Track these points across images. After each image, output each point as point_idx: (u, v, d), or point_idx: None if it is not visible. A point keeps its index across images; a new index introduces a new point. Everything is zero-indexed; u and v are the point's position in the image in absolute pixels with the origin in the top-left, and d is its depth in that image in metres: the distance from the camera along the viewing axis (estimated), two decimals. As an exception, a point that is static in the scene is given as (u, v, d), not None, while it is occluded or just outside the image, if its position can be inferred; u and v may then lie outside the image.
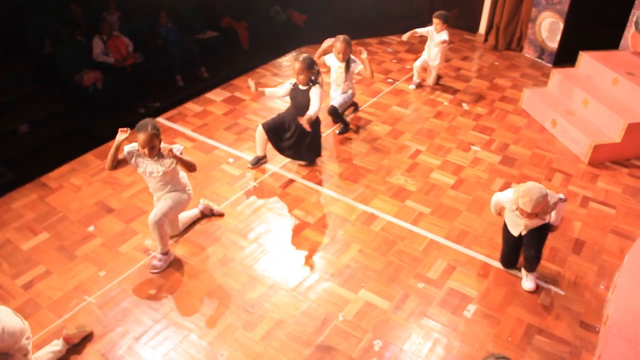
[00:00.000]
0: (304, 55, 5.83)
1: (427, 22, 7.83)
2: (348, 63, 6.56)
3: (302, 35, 9.89)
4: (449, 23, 7.60)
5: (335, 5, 10.36)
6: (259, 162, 6.24)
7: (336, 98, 6.73)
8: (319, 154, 6.23)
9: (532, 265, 4.64)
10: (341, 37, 6.48)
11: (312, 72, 5.76)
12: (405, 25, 9.67)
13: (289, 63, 8.84)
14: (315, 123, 5.91)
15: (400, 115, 7.26)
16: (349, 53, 6.53)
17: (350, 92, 6.79)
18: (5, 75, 7.98)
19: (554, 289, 4.72)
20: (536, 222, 4.49)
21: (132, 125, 7.03)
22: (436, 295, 4.65)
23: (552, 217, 4.56)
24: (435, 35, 7.61)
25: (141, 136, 4.53)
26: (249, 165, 6.20)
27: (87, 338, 4.29)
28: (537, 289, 4.71)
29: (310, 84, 5.78)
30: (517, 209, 4.32)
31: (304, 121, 5.58)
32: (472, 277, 4.84)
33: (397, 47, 9.39)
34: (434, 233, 5.32)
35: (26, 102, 7.98)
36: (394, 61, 8.88)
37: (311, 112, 5.64)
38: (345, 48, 6.45)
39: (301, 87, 5.83)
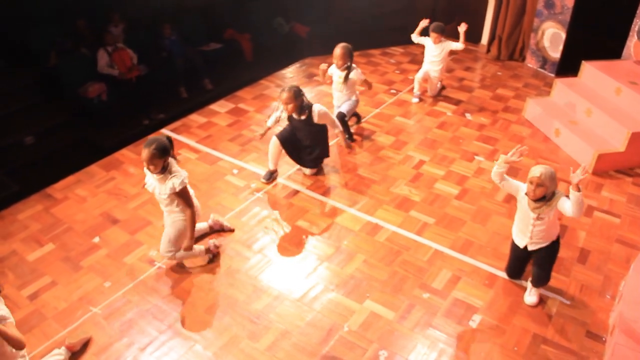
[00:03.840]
0: (290, 85, 5.80)
1: (429, 32, 7.85)
2: (349, 71, 6.57)
3: (305, 47, 9.93)
4: (446, 35, 7.63)
5: (337, 16, 10.41)
6: (271, 176, 6.23)
7: (341, 105, 6.76)
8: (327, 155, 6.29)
9: (538, 282, 4.62)
10: (341, 44, 6.53)
11: (300, 99, 5.75)
12: (407, 36, 9.73)
13: (292, 75, 8.89)
14: (324, 129, 5.98)
15: (403, 125, 7.28)
16: (348, 60, 6.55)
17: (354, 98, 6.81)
18: (10, 86, 8.01)
19: (559, 298, 4.71)
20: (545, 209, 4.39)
21: (138, 136, 7.13)
22: (441, 306, 4.64)
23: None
24: (433, 47, 7.64)
25: (142, 153, 4.48)
26: (263, 181, 6.18)
27: (88, 344, 4.32)
28: (542, 301, 4.69)
29: (306, 110, 5.80)
30: (527, 192, 4.32)
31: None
32: (478, 287, 4.83)
33: (400, 58, 9.43)
34: (438, 243, 5.32)
35: (31, 113, 8.00)
36: (397, 72, 8.92)
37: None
38: (342, 54, 6.49)
39: (295, 116, 5.87)
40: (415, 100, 8.00)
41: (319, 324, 4.47)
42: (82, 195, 6.02)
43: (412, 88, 8.12)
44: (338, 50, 6.50)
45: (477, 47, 9.92)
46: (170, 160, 4.56)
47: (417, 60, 9.16)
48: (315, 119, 5.85)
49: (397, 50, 9.81)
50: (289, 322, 4.49)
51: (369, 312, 4.58)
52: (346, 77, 6.60)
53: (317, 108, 5.84)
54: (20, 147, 7.70)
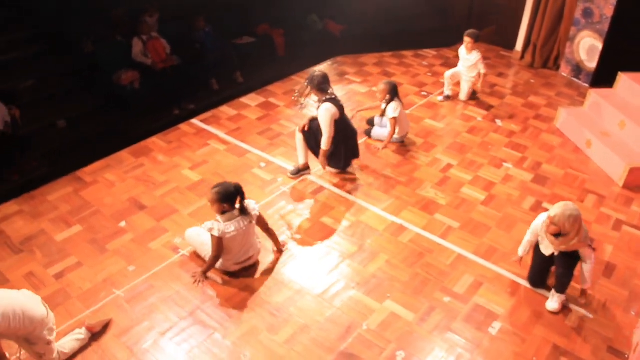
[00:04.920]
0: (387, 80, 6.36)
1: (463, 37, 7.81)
2: (387, 104, 6.63)
3: (337, 45, 9.95)
4: (480, 41, 7.59)
5: (372, 17, 10.38)
6: (299, 172, 6.22)
7: (379, 129, 6.93)
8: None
9: (561, 285, 4.58)
10: (387, 80, 6.69)
11: (313, 87, 5.83)
12: (441, 39, 9.70)
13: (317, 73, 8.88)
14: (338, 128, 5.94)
15: (433, 128, 7.26)
16: (387, 96, 6.59)
17: (387, 130, 6.79)
18: (47, 71, 8.16)
19: (582, 311, 4.66)
20: (562, 247, 4.43)
21: (168, 125, 7.21)
22: (461, 310, 4.62)
23: (583, 273, 4.55)
24: (466, 55, 7.63)
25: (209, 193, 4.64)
26: (289, 175, 6.21)
27: (109, 326, 4.40)
28: (563, 311, 4.64)
29: (320, 104, 5.87)
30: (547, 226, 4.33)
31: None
32: (499, 294, 4.79)
33: (432, 61, 9.38)
34: (462, 248, 5.29)
35: (65, 98, 8.14)
36: (429, 74, 8.88)
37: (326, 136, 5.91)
38: (382, 90, 6.61)
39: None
40: (440, 98, 8.04)
41: (338, 321, 4.48)
42: (111, 180, 6.11)
43: (442, 92, 8.10)
44: (380, 85, 6.66)
45: (510, 54, 9.83)
46: (235, 212, 4.63)
47: (450, 64, 9.11)
48: (317, 113, 5.86)
49: (430, 52, 9.77)
50: (308, 316, 4.51)
51: (388, 312, 4.58)
52: (383, 111, 6.69)
53: (324, 106, 5.79)
54: (54, 131, 7.83)
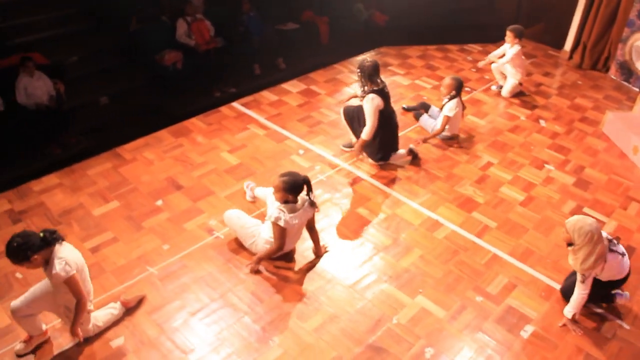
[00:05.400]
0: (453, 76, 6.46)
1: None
2: (448, 101, 6.54)
3: (382, 36, 9.85)
4: (527, 38, 7.45)
5: (418, 9, 10.26)
6: (351, 147, 6.31)
7: (432, 120, 6.85)
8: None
9: (567, 296, 4.49)
10: (454, 76, 6.61)
11: (363, 77, 5.84)
12: (488, 35, 9.53)
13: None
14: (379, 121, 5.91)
15: (475, 125, 7.14)
16: (451, 92, 6.49)
17: (435, 126, 6.72)
18: (92, 48, 8.27)
19: (619, 322, 4.54)
20: (569, 258, 4.32)
21: (208, 107, 7.24)
22: (494, 311, 4.56)
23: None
24: (509, 50, 7.50)
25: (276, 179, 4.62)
26: (342, 148, 6.40)
27: (142, 302, 4.46)
28: (599, 320, 4.52)
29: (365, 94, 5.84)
30: None
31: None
32: (533, 298, 4.71)
33: (477, 56, 9.21)
34: (498, 248, 5.21)
35: (109, 75, 8.25)
36: (473, 70, 8.73)
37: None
38: (449, 85, 6.51)
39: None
40: (495, 87, 8.04)
41: (368, 313, 4.46)
42: (149, 158, 6.18)
43: (487, 88, 7.98)
44: (447, 79, 6.57)
45: (559, 53, 9.59)
46: (298, 205, 4.61)
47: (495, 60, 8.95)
48: (363, 102, 5.83)
49: (475, 47, 9.60)
50: (338, 306, 4.50)
51: (419, 307, 4.54)
52: (443, 106, 6.60)
53: (369, 96, 5.77)
54: (96, 107, 7.95)
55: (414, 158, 6.28)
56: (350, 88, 6.69)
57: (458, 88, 6.47)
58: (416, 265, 4.95)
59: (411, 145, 6.32)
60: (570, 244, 4.26)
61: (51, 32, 8.05)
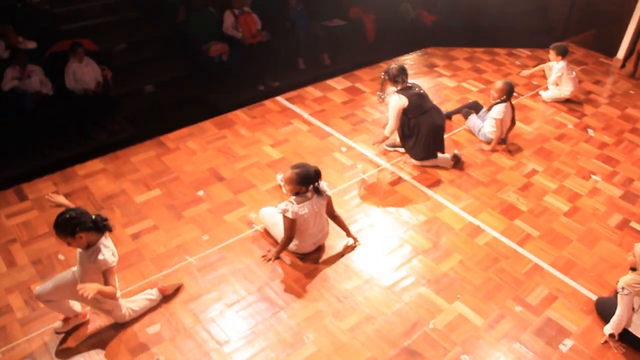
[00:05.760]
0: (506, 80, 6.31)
1: (561, 38, 7.49)
2: (496, 104, 6.44)
3: (428, 36, 9.75)
4: (579, 45, 7.31)
5: (467, 10, 10.11)
6: (394, 147, 6.33)
7: (479, 122, 6.75)
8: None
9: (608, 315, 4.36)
10: (506, 80, 6.48)
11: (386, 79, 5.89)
12: (537, 39, 9.34)
13: (413, 62, 8.74)
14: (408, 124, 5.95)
15: (520, 131, 6.99)
16: (502, 97, 6.38)
17: (482, 129, 6.67)
18: (139, 36, 8.39)
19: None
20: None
21: (252, 100, 7.27)
22: (533, 322, 4.46)
23: None
24: (554, 67, 7.47)
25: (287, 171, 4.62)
26: (385, 147, 6.37)
27: (179, 291, 4.50)
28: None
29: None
30: None
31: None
32: (574, 311, 4.59)
33: (525, 61, 9.03)
34: (539, 258, 5.09)
35: (155, 63, 8.36)
36: (521, 75, 8.56)
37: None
38: (500, 89, 6.40)
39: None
40: (541, 92, 7.92)
41: (405, 316, 4.41)
42: (192, 148, 6.23)
43: (535, 94, 7.84)
44: (499, 83, 6.46)
45: (610, 61, 9.33)
46: (309, 194, 4.59)
47: (544, 66, 8.79)
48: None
49: (524, 52, 9.41)
50: (375, 307, 4.46)
51: (457, 313, 4.47)
52: (490, 107, 6.51)
53: (393, 97, 5.78)
54: (140, 95, 8.06)
55: (457, 163, 6.19)
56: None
57: (509, 93, 6.35)
58: (455, 270, 4.88)
59: (455, 151, 6.21)
60: (633, 269, 4.13)
61: (101, 19, 8.20)
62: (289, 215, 4.50)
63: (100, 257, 3.68)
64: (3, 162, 6.36)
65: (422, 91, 5.87)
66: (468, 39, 9.55)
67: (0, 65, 6.80)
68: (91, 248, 3.73)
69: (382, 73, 5.92)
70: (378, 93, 6.17)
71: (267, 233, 5.09)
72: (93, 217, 3.69)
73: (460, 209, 5.59)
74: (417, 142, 5.95)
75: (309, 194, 4.58)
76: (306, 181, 4.52)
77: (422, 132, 5.87)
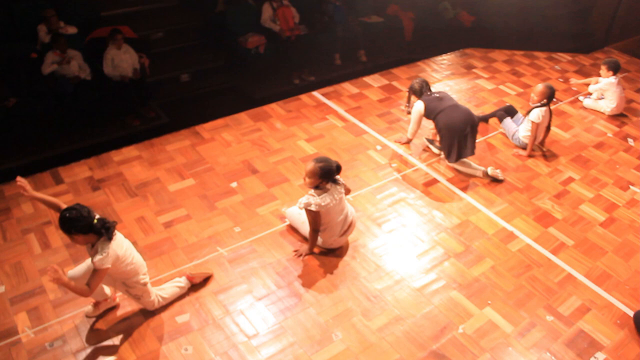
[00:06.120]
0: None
1: (603, 44, 7.31)
2: (535, 108, 6.31)
3: (467, 37, 9.64)
4: (617, 70, 7.24)
5: (507, 12, 9.96)
6: (432, 142, 6.38)
7: (518, 128, 6.62)
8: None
9: None
10: (548, 84, 6.34)
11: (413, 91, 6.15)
12: (578, 44, 9.16)
13: (450, 62, 8.65)
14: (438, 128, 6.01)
15: (558, 137, 6.88)
16: (542, 100, 6.26)
17: (517, 133, 6.57)
18: (177, 25, 8.42)
19: (700, 359, 4.30)
20: None
21: (288, 94, 7.25)
22: (564, 333, 4.38)
23: None
24: (604, 80, 7.35)
25: (308, 164, 4.56)
26: (424, 139, 6.44)
27: (208, 281, 4.52)
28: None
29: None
30: None
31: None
32: (607, 324, 4.50)
33: (565, 66, 8.88)
34: (573, 267, 5.00)
35: (191, 53, 8.39)
36: (560, 80, 8.41)
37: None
38: (541, 92, 6.27)
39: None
40: (582, 99, 7.76)
41: (434, 319, 4.37)
42: (227, 139, 6.24)
43: (574, 100, 7.68)
44: (540, 86, 6.33)
45: (653, 70, 9.15)
46: (328, 185, 4.55)
47: (584, 72, 8.62)
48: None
49: (564, 57, 9.24)
50: (404, 309, 4.42)
51: (487, 319, 4.41)
52: (529, 111, 6.38)
53: (416, 103, 6.00)
54: (176, 83, 8.10)
55: (494, 180, 6.04)
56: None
57: (550, 97, 6.24)
58: (487, 275, 4.81)
59: (489, 169, 5.99)
60: None
61: (139, 7, 8.24)
62: (313, 208, 4.47)
63: (95, 258, 3.67)
64: (41, 145, 6.45)
65: (440, 94, 5.97)
66: (507, 41, 9.41)
67: (42, 49, 6.89)
68: (94, 247, 3.73)
69: (407, 89, 6.19)
70: (402, 106, 6.51)
71: (295, 231, 5.09)
72: (95, 220, 3.65)
73: (493, 213, 5.52)
74: (443, 141, 5.95)
75: (327, 186, 4.56)
76: (328, 175, 4.50)
77: (443, 131, 5.88)
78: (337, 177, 4.63)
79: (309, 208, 4.48)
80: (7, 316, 4.17)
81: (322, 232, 4.71)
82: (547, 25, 9.98)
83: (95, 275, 3.69)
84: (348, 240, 5.01)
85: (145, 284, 4.08)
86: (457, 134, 5.83)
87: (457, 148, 5.88)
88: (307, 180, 4.51)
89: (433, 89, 6.20)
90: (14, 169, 5.87)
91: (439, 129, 5.90)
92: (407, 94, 6.25)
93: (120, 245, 3.79)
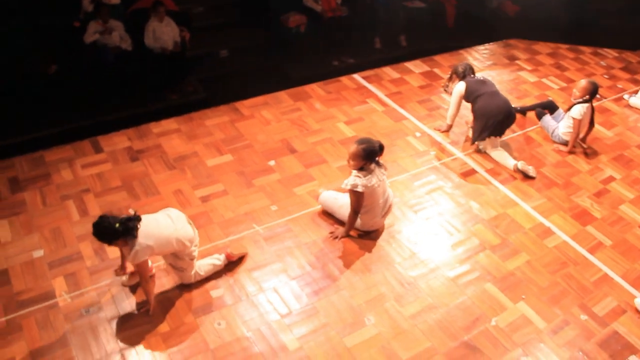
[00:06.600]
0: None
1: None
2: (577, 104, 6.18)
3: (509, 27, 9.46)
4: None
5: (554, 4, 9.74)
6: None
7: (559, 124, 6.47)
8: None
9: None
10: (592, 80, 6.21)
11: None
12: (626, 40, 8.95)
13: (492, 52, 8.51)
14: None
15: (600, 135, 6.74)
16: (584, 96, 6.13)
17: (557, 130, 6.42)
18: (219, 0, 8.41)
19: None
20: None
21: (327, 75, 7.21)
22: (597, 333, 4.31)
23: None
24: None
25: (352, 146, 4.57)
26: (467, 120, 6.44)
27: (244, 259, 4.54)
28: None
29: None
30: None
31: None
32: (643, 328, 4.43)
33: (612, 62, 8.67)
34: (610, 268, 4.91)
35: (231, 29, 8.38)
36: (606, 77, 8.22)
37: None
38: (584, 88, 6.14)
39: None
40: (627, 97, 7.58)
41: (467, 310, 4.34)
42: (267, 117, 6.23)
43: (619, 98, 7.52)
44: (583, 81, 6.20)
45: None
46: (372, 166, 4.54)
47: (630, 69, 8.41)
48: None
49: (611, 53, 9.03)
50: (438, 298, 4.40)
51: (520, 314, 4.37)
52: (570, 107, 6.26)
53: (458, 85, 5.99)
54: (215, 58, 8.11)
55: (525, 176, 5.94)
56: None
57: (593, 93, 6.10)
58: (522, 270, 4.76)
59: (519, 165, 5.86)
60: None
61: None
62: (359, 189, 4.45)
63: (129, 257, 3.79)
64: (81, 113, 6.52)
65: (483, 79, 5.98)
66: (551, 33, 9.22)
67: (84, 19, 6.95)
68: (127, 246, 3.80)
69: (452, 70, 6.17)
70: (443, 85, 6.40)
71: (329, 215, 5.06)
72: (116, 225, 3.69)
73: (531, 208, 5.44)
74: (476, 123, 5.93)
75: (372, 166, 4.53)
76: (371, 156, 4.49)
77: (477, 113, 5.87)
78: (379, 160, 4.61)
79: (355, 189, 4.46)
80: (45, 280, 4.24)
81: (363, 213, 4.69)
82: (594, 19, 9.74)
83: (138, 268, 3.89)
84: (384, 224, 4.99)
85: (192, 259, 4.15)
86: (491, 119, 5.79)
87: (488, 130, 5.85)
88: (352, 162, 4.50)
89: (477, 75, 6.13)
90: (55, 135, 5.95)
91: (474, 110, 5.89)
92: (450, 73, 6.20)
93: (151, 235, 3.81)
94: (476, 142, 6.02)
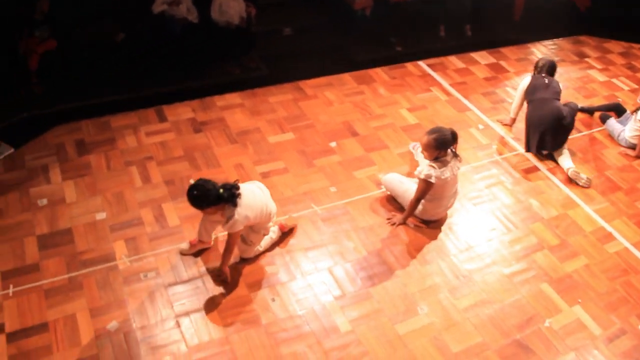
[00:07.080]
0: None
1: None
2: None
3: (579, 23, 9.15)
4: None
5: (626, 1, 9.38)
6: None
7: (624, 129, 6.24)
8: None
9: None
10: None
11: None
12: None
13: (561, 49, 8.28)
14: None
15: (670, 140, 6.51)
16: None
17: (623, 133, 6.20)
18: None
19: None
20: None
21: (391, 60, 7.14)
22: (655, 346, 4.21)
23: None
24: None
25: (423, 137, 4.52)
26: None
27: (293, 231, 4.63)
28: None
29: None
30: None
31: None
32: (703, 344, 4.29)
33: (685, 67, 8.36)
34: (673, 280, 4.78)
35: (295, 7, 8.34)
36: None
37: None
38: None
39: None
40: None
41: (521, 308, 4.28)
42: (330, 98, 6.23)
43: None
44: None
45: None
46: (448, 157, 4.50)
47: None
48: None
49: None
50: (492, 293, 4.36)
51: (575, 317, 4.29)
52: (637, 109, 6.04)
53: (524, 78, 5.89)
54: (278, 36, 8.09)
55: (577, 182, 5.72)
56: None
57: None
58: (580, 273, 4.66)
59: (570, 172, 5.63)
60: None
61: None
62: (433, 180, 4.42)
63: (225, 225, 3.85)
64: (147, 81, 6.61)
65: (549, 82, 5.73)
66: (624, 32, 8.90)
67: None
68: (223, 214, 3.85)
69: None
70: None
71: (392, 199, 5.04)
72: (220, 190, 3.73)
73: (593, 211, 5.31)
74: (533, 134, 5.72)
75: (447, 158, 4.49)
76: (444, 145, 4.44)
77: (526, 119, 5.75)
78: (456, 151, 4.58)
79: (429, 180, 4.43)
80: (106, 242, 4.37)
81: (429, 201, 4.66)
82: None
83: (230, 238, 3.94)
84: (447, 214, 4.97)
85: (266, 233, 4.24)
86: (531, 128, 5.69)
87: (534, 140, 5.71)
88: (425, 153, 4.48)
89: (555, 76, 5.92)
90: (121, 102, 6.06)
91: (530, 117, 5.72)
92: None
93: (249, 206, 3.88)
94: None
